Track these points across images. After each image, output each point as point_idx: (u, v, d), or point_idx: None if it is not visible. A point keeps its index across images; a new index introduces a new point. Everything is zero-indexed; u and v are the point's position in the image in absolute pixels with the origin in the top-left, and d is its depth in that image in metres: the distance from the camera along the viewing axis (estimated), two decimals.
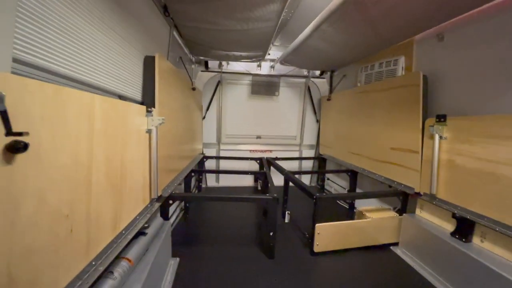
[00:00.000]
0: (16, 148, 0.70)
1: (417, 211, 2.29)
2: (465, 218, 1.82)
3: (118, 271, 1.20)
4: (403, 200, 2.42)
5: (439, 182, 2.05)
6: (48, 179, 0.85)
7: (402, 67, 2.59)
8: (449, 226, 1.97)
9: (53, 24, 1.00)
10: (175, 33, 2.55)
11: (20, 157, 0.73)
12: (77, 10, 1.13)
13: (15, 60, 0.85)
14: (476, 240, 1.81)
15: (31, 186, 0.78)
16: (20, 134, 0.73)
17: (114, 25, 1.44)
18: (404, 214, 2.35)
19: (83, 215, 1.04)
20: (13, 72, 0.84)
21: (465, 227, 1.84)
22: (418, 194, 2.24)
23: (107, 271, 1.17)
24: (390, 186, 2.60)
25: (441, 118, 2.00)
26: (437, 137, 2.02)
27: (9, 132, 0.70)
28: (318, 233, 2.18)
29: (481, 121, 1.78)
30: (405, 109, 2.36)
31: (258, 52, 3.16)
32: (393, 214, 2.46)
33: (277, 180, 2.93)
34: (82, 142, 1.03)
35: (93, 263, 1.10)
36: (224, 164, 4.37)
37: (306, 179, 4.65)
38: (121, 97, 1.65)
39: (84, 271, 1.03)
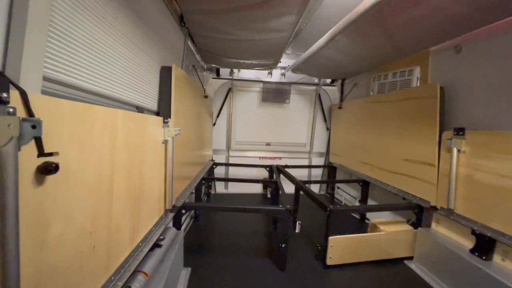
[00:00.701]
0: (48, 170, 0.70)
1: (433, 225, 2.24)
2: (485, 235, 1.76)
3: (135, 286, 1.20)
4: (418, 214, 2.37)
5: (457, 196, 2.00)
6: (75, 198, 0.85)
7: (417, 78, 2.55)
8: (467, 243, 1.92)
9: (80, 41, 1.01)
10: (189, 42, 2.58)
11: (50, 178, 0.74)
12: (102, 25, 1.15)
13: (45, 79, 0.87)
14: (497, 258, 1.75)
15: (60, 206, 0.78)
16: (50, 154, 0.73)
17: (133, 37, 1.46)
18: (419, 228, 2.29)
19: (105, 231, 1.04)
20: (43, 91, 0.85)
21: (485, 245, 1.78)
22: (434, 208, 2.19)
23: (125, 286, 1.17)
24: (404, 198, 2.55)
25: (460, 132, 1.96)
26: (455, 150, 1.98)
27: (41, 153, 0.70)
28: (332, 246, 2.15)
29: (502, 136, 1.73)
30: (421, 120, 2.32)
31: (270, 61, 3.17)
32: (407, 227, 2.41)
33: (286, 187, 2.90)
34: (105, 158, 1.04)
35: (112, 278, 1.10)
36: (233, 171, 4.37)
37: (315, 187, 4.61)
38: (138, 108, 1.67)
39: (104, 286, 1.03)
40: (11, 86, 0.64)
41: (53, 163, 0.71)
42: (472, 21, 1.66)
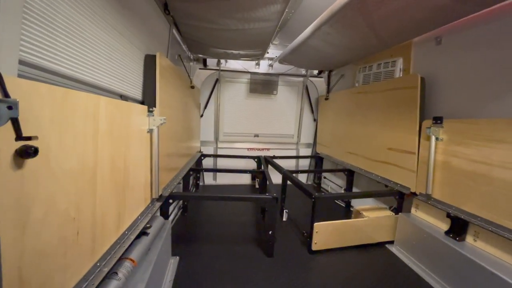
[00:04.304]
0: (27, 153, 0.69)
1: (413, 210, 2.35)
2: (459, 218, 1.87)
3: (122, 272, 1.21)
4: (399, 200, 2.48)
5: (434, 182, 2.10)
6: (57, 183, 0.85)
7: (400, 69, 2.63)
8: (444, 225, 2.03)
9: (58, 24, 0.99)
10: (174, 31, 2.53)
11: (30, 162, 0.73)
12: (80, 9, 1.12)
13: (21, 62, 0.84)
14: (469, 239, 1.86)
15: (41, 190, 0.78)
16: (29, 138, 0.73)
17: (115, 23, 1.43)
18: (400, 213, 2.40)
19: (89, 217, 1.04)
20: (20, 75, 0.83)
21: (459, 227, 1.90)
22: (414, 194, 2.29)
23: (111, 272, 1.18)
24: (386, 186, 2.65)
25: (438, 120, 2.05)
26: (433, 138, 2.07)
27: (19, 136, 0.69)
28: (317, 232, 2.22)
29: (476, 124, 1.83)
30: (403, 110, 2.40)
31: (258, 51, 3.16)
32: (389, 213, 2.52)
33: (274, 178, 2.95)
34: (88, 145, 1.03)
35: (98, 264, 1.10)
36: (222, 162, 4.38)
37: (302, 177, 4.70)
38: (122, 97, 1.64)
39: (89, 272, 1.04)
40: None
41: (32, 146, 0.70)
42: (452, 11, 1.72)
